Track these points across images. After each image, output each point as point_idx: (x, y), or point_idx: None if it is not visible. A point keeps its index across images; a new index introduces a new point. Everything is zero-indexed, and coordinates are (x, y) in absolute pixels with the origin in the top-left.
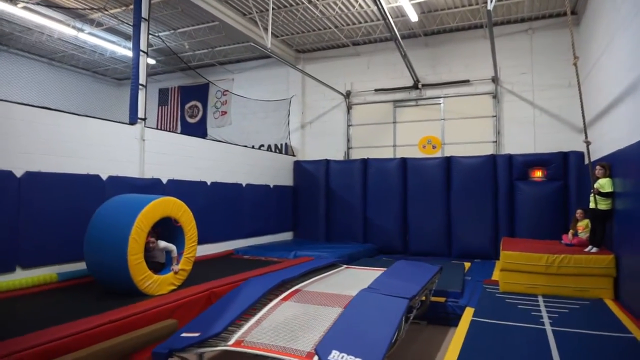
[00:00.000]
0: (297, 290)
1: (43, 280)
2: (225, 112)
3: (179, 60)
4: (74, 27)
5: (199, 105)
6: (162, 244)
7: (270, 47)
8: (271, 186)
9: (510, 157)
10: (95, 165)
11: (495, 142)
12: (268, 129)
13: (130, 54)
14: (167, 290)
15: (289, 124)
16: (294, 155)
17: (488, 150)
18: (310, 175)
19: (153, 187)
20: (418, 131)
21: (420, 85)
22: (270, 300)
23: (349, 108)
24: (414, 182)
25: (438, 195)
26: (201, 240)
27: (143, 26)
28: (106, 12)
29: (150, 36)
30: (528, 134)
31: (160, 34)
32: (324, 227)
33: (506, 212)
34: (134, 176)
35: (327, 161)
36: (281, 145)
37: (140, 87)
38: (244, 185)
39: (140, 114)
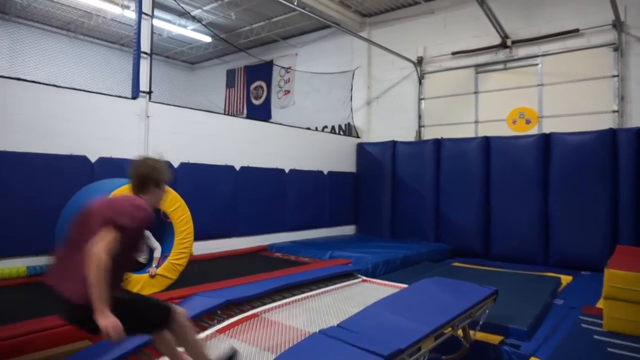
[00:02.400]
0: (250, 317)
1: (9, 275)
2: (289, 91)
3: (238, 37)
4: (121, 5)
5: (264, 85)
6: (146, 234)
7: (327, 13)
8: (325, 172)
9: (638, 132)
10: (82, 145)
11: (617, 112)
12: (332, 108)
13: (187, 33)
14: (140, 291)
15: (351, 100)
16: (357, 137)
17: (605, 123)
18: (375, 160)
19: None
20: (507, 102)
21: (509, 43)
22: (205, 328)
23: (420, 78)
24: (500, 167)
25: (532, 184)
26: (227, 233)
27: None
28: None
29: (198, 10)
30: None
31: (206, 6)
32: (389, 221)
33: (630, 210)
34: (133, 158)
35: (394, 143)
36: (345, 125)
37: (143, 55)
38: (286, 171)
39: (144, 87)
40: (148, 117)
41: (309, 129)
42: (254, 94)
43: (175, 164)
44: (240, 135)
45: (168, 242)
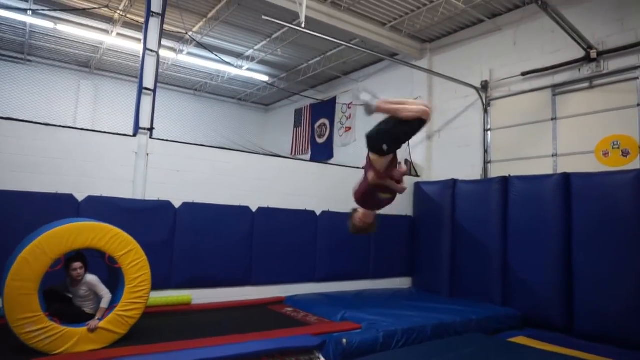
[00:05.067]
0: None
1: None
2: (350, 128)
3: (297, 75)
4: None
5: (327, 122)
6: (91, 279)
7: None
8: None
9: None
10: (71, 184)
11: None
12: None
13: (254, 75)
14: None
15: None
16: (417, 175)
17: None
18: (433, 202)
19: (157, 211)
20: (595, 129)
21: (595, 55)
22: None
23: (486, 106)
24: (586, 212)
25: (630, 237)
26: (240, 282)
27: (153, 22)
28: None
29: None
30: None
31: (256, 46)
32: (447, 275)
33: None
34: (127, 197)
35: (454, 182)
36: (405, 162)
37: (145, 91)
38: (318, 213)
39: (144, 124)
40: (148, 154)
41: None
42: (318, 132)
43: (177, 204)
44: (258, 173)
45: (119, 292)
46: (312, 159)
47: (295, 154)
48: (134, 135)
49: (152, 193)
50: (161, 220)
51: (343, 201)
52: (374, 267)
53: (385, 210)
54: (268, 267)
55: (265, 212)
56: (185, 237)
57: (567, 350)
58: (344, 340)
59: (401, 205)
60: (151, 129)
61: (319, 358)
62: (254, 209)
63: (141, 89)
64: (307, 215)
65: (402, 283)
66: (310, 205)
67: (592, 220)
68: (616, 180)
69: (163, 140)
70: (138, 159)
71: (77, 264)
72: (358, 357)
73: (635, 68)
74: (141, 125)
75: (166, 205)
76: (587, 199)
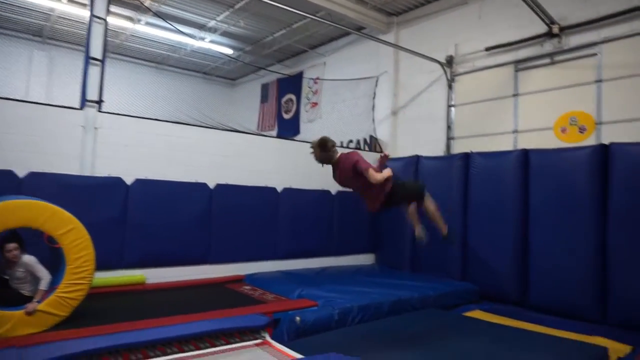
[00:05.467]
0: None
1: None
2: (316, 104)
3: (262, 48)
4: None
5: (294, 98)
6: (28, 260)
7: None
8: (333, 192)
9: None
10: (8, 159)
11: None
12: (358, 120)
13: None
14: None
15: (373, 109)
16: (381, 152)
17: None
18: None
19: (107, 188)
20: (555, 106)
21: (557, 30)
22: None
23: (450, 81)
24: (542, 188)
25: (585, 212)
26: (197, 260)
27: None
28: None
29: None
30: None
31: (219, 17)
32: (409, 252)
33: None
34: (73, 173)
35: (417, 158)
36: (369, 139)
37: (92, 61)
38: (279, 190)
39: (92, 96)
40: (96, 128)
41: (342, 144)
42: (284, 107)
43: (129, 180)
44: (217, 149)
45: (60, 273)
46: (279, 135)
47: (262, 129)
48: (81, 108)
49: (102, 169)
50: (112, 197)
51: (306, 178)
52: (337, 243)
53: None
54: (227, 245)
55: (224, 189)
56: (138, 215)
57: (518, 323)
58: (297, 319)
59: None
60: (100, 102)
61: (264, 337)
62: (212, 186)
63: (88, 59)
64: (268, 192)
65: (365, 259)
66: (272, 182)
67: (548, 197)
68: (572, 157)
69: (113, 113)
70: (86, 133)
71: (12, 245)
72: (313, 335)
73: (594, 44)
74: (89, 97)
75: (117, 181)
76: (544, 176)
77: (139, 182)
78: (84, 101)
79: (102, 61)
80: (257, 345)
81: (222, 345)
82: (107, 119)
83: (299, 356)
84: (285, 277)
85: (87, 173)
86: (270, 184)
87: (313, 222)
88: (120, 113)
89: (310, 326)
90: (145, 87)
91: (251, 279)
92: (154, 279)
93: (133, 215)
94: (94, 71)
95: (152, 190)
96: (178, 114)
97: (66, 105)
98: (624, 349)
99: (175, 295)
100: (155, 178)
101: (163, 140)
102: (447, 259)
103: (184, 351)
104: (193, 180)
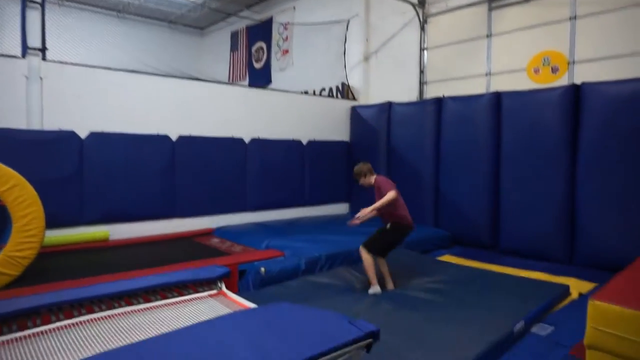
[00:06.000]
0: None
1: None
2: (287, 51)
3: None
4: None
5: (264, 46)
6: None
7: None
8: (304, 142)
9: None
10: None
11: None
12: (330, 67)
13: None
14: None
15: (344, 55)
16: (353, 99)
17: None
18: (369, 127)
19: (58, 142)
20: (528, 46)
21: None
22: None
23: (423, 23)
24: (513, 131)
25: (555, 155)
26: (164, 215)
27: None
28: None
29: None
30: None
31: None
32: None
33: None
34: (20, 127)
35: (390, 104)
36: (341, 86)
37: (30, 4)
38: (247, 141)
39: (34, 43)
40: (42, 78)
41: (306, 92)
42: (255, 56)
43: (82, 134)
44: (179, 99)
45: (6, 232)
46: (250, 85)
47: (233, 80)
48: (23, 56)
49: (52, 123)
50: (65, 152)
51: (276, 127)
52: (310, 193)
53: (322, 136)
54: (194, 199)
55: (187, 141)
56: (95, 170)
57: (488, 265)
58: (262, 269)
59: (337, 130)
60: (43, 49)
61: (220, 288)
62: (174, 138)
63: (25, 1)
64: (234, 143)
65: (339, 209)
66: (240, 132)
67: (519, 140)
68: (544, 98)
69: (59, 62)
70: (30, 83)
71: None
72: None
73: None
74: (30, 44)
75: (69, 135)
76: (516, 119)
77: (94, 136)
78: (25, 49)
79: (42, 4)
80: (210, 296)
81: (174, 297)
82: (53, 68)
83: (253, 305)
84: (255, 228)
85: (36, 127)
86: (237, 135)
87: (284, 172)
88: (67, 62)
89: (276, 276)
90: (104, 38)
91: (220, 231)
92: (119, 234)
93: (90, 170)
94: (32, 15)
95: (109, 144)
96: (140, 66)
97: (5, 53)
98: (588, 286)
99: (139, 250)
100: (113, 131)
101: (118, 90)
102: (421, 205)
103: (132, 304)
104: (154, 133)
